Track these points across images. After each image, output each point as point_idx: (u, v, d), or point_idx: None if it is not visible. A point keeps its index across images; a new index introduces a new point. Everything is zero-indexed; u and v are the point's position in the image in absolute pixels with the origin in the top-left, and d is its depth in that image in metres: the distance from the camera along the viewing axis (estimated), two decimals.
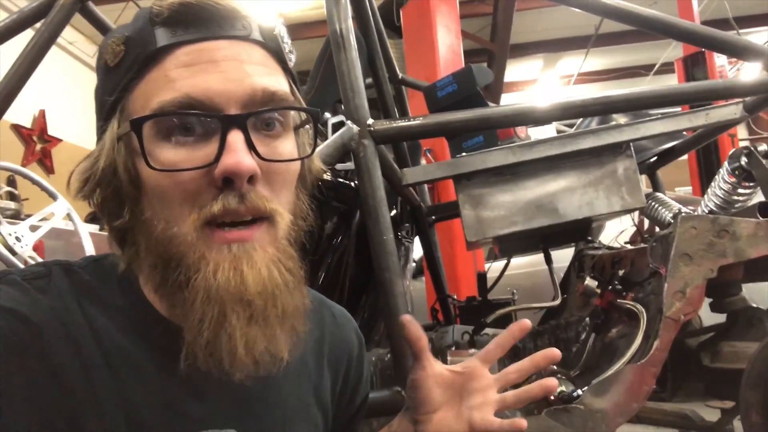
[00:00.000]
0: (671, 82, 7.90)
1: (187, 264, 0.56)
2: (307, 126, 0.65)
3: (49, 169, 6.03)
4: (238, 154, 0.55)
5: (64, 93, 6.32)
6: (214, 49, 0.58)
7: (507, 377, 0.73)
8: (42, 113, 6.11)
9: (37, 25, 1.67)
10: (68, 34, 6.56)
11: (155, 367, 0.58)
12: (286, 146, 0.61)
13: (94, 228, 2.90)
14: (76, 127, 6.35)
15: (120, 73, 0.59)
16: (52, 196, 2.48)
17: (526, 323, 0.75)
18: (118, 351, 0.57)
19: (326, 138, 1.42)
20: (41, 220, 2.47)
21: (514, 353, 1.99)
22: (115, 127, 0.59)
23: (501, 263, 2.46)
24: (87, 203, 0.63)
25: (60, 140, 6.18)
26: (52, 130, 6.18)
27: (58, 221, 2.49)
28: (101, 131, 0.61)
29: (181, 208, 0.56)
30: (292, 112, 0.62)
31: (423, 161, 3.08)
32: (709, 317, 1.85)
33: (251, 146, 0.56)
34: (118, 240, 0.62)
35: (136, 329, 0.59)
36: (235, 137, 0.56)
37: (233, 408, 0.62)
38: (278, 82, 0.61)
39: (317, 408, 0.74)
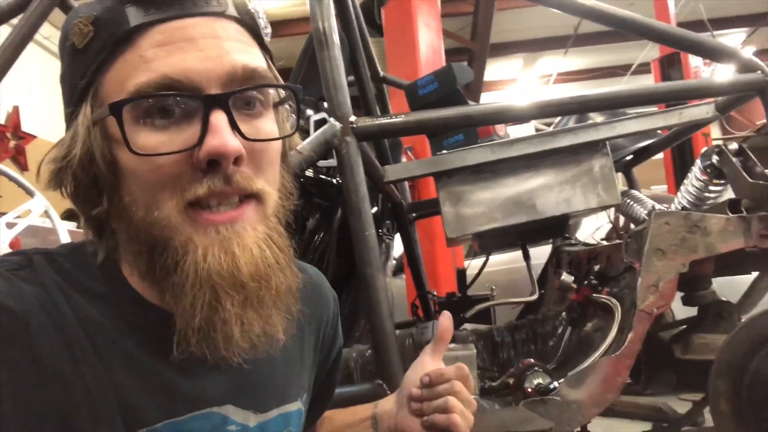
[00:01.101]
0: (648, 82, 8.02)
1: (173, 247, 0.54)
2: (288, 103, 0.63)
3: (23, 166, 5.93)
4: (223, 135, 0.53)
5: (39, 89, 6.23)
6: (190, 27, 0.55)
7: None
8: (16, 110, 6.00)
9: (15, 21, 1.66)
10: (44, 29, 6.44)
11: (146, 353, 0.57)
12: (267, 124, 0.59)
13: (72, 225, 2.87)
14: (51, 124, 6.25)
15: (90, 56, 0.56)
16: (29, 193, 2.45)
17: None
18: (107, 339, 0.56)
19: (308, 135, 1.44)
20: (17, 217, 2.43)
21: (493, 347, 2.03)
22: (88, 113, 0.57)
23: (480, 261, 2.49)
24: (60, 194, 0.60)
25: (34, 137, 6.07)
26: (26, 127, 6.07)
27: (35, 218, 2.45)
28: (71, 117, 0.59)
29: (162, 192, 0.54)
30: (272, 90, 0.61)
31: (404, 159, 3.11)
32: (680, 311, 1.90)
33: (235, 126, 0.55)
34: (96, 229, 0.60)
35: (123, 317, 0.58)
36: (219, 118, 0.54)
37: (229, 384, 0.62)
38: (257, 59, 0.59)
39: (305, 371, 0.75)
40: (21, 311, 0.53)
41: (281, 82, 0.64)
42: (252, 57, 0.58)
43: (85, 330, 0.56)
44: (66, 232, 2.51)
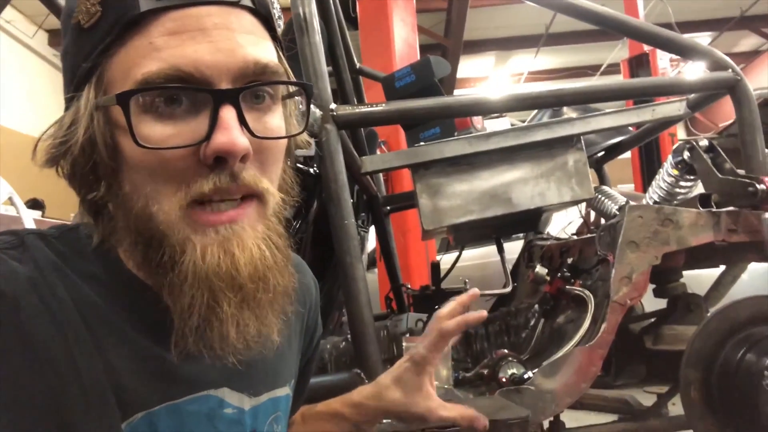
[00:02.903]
0: None
1: (170, 244, 0.53)
2: (296, 98, 0.62)
3: None
4: (231, 132, 0.52)
5: (1, 75, 6.03)
6: (203, 16, 0.54)
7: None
8: None
9: None
10: (6, 13, 6.24)
11: (143, 336, 0.57)
12: (275, 120, 0.59)
13: (37, 214, 2.79)
14: (16, 112, 6.07)
15: (96, 37, 0.55)
16: None
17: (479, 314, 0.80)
18: (103, 322, 0.55)
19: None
20: None
21: (467, 339, 2.04)
22: (92, 96, 0.55)
23: (452, 255, 2.51)
24: (56, 174, 0.58)
25: (3, 128, 5.90)
26: None
27: None
28: (71, 98, 0.57)
29: (166, 186, 0.53)
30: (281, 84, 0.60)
31: (378, 152, 3.10)
32: (650, 305, 1.94)
33: (243, 123, 0.54)
34: (92, 212, 0.59)
35: (119, 299, 0.57)
36: (228, 114, 0.53)
37: (224, 367, 0.61)
38: (269, 53, 0.58)
39: (293, 357, 0.76)
40: (12, 293, 0.51)
41: (291, 74, 0.63)
42: (264, 51, 0.57)
43: (80, 312, 0.54)
44: (32, 220, 2.43)
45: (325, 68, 1.32)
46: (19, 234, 0.57)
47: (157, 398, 0.57)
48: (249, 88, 0.55)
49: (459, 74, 7.70)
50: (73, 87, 0.57)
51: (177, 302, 0.54)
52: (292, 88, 0.62)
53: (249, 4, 0.57)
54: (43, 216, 2.96)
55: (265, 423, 0.68)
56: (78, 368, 0.53)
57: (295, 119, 0.63)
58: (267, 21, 0.60)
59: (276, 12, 0.61)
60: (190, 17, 0.53)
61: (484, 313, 0.79)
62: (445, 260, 2.79)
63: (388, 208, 2.55)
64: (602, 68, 9.67)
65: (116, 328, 0.56)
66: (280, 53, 0.62)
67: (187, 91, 0.53)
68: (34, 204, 3.50)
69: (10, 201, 2.40)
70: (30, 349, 0.51)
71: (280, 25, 0.61)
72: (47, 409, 0.51)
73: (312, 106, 1.29)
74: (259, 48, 0.56)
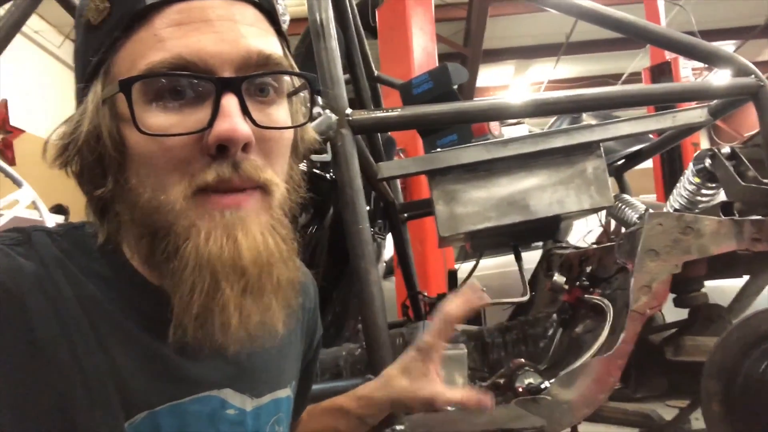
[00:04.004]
0: None
1: (176, 232, 0.53)
2: (302, 93, 0.62)
3: (10, 161, 5.84)
4: (233, 119, 0.52)
5: (28, 83, 6.17)
6: (207, 8, 0.54)
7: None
8: (4, 103, 5.93)
9: (1, 12, 1.63)
10: (34, 23, 6.39)
11: (148, 335, 0.56)
12: (280, 113, 0.58)
13: (60, 219, 2.83)
14: (40, 119, 6.20)
15: (104, 32, 0.56)
16: (17, 183, 2.41)
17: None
18: (108, 320, 0.55)
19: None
20: (3, 207, 2.39)
21: (483, 348, 2.02)
22: (99, 90, 0.56)
23: (470, 264, 2.49)
24: (65, 174, 0.59)
25: (23, 131, 6.00)
26: (14, 121, 6.00)
27: (22, 210, 2.42)
28: (82, 94, 0.58)
29: (170, 176, 0.53)
30: (286, 78, 0.60)
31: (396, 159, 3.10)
32: (670, 315, 1.91)
33: (246, 112, 0.54)
34: (98, 210, 0.59)
35: (125, 298, 0.57)
36: (230, 101, 0.53)
37: (227, 367, 0.61)
38: (273, 45, 0.58)
39: (294, 358, 0.75)
40: (17, 289, 0.51)
41: (296, 68, 0.62)
42: (268, 43, 0.57)
43: (84, 310, 0.54)
44: (54, 224, 2.46)
45: (341, 74, 1.32)
46: (26, 231, 0.57)
47: (161, 398, 0.57)
48: (251, 77, 0.55)
49: (478, 83, 7.69)
50: (83, 83, 0.58)
51: (178, 289, 0.53)
52: (297, 85, 0.62)
53: None
54: (66, 221, 3.00)
55: (267, 424, 0.67)
56: (82, 366, 0.53)
57: (302, 116, 0.63)
58: (271, 15, 0.60)
59: (280, 8, 0.61)
60: (195, 9, 0.54)
61: (486, 297, 0.78)
62: (464, 268, 2.78)
63: (406, 215, 2.54)
64: (623, 77, 9.58)
65: (121, 327, 0.56)
66: (286, 49, 0.62)
67: (189, 80, 0.53)
68: (59, 209, 3.57)
69: (34, 205, 2.44)
70: (35, 347, 0.51)
71: (285, 21, 0.61)
72: (52, 407, 0.51)
73: (327, 111, 1.30)
74: (262, 40, 0.57)
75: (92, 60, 0.56)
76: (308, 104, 0.63)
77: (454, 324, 0.77)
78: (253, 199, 0.55)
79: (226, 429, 0.61)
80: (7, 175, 2.42)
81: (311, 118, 0.64)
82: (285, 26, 0.62)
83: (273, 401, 0.68)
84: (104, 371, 0.54)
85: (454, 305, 0.76)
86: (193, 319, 0.53)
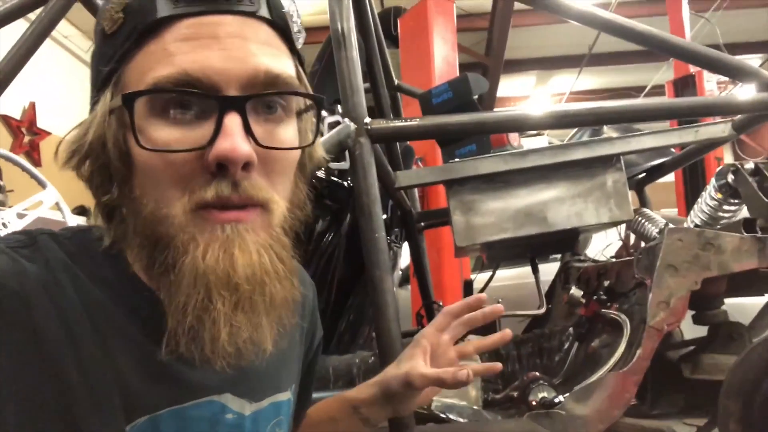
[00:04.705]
0: None
1: (175, 246, 0.54)
2: (311, 112, 0.62)
3: (36, 162, 5.97)
4: (234, 138, 0.52)
5: (56, 87, 6.28)
6: (218, 24, 0.54)
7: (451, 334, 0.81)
8: (32, 105, 6.06)
9: (32, 16, 1.67)
10: (63, 28, 6.51)
11: (149, 340, 0.57)
12: (287, 132, 0.58)
13: (82, 220, 2.88)
14: (66, 121, 6.29)
15: (117, 43, 0.56)
16: (42, 184, 2.46)
17: (497, 306, 0.82)
18: (111, 325, 0.56)
19: (322, 137, 1.44)
20: (27, 208, 2.44)
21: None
22: (108, 99, 0.56)
23: (487, 274, 2.48)
24: (77, 176, 0.60)
25: (49, 133, 6.12)
26: (41, 123, 6.12)
27: (46, 210, 2.46)
28: (94, 101, 0.59)
29: (172, 191, 0.54)
30: (296, 97, 0.59)
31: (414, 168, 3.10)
32: (689, 332, 1.88)
33: (249, 131, 0.54)
34: (105, 215, 0.59)
35: (128, 303, 0.58)
36: (232, 120, 0.53)
37: (227, 373, 0.60)
38: (283, 64, 0.57)
39: (294, 361, 0.76)
40: (23, 292, 0.52)
41: (308, 87, 0.62)
42: (277, 62, 0.57)
43: (88, 314, 0.55)
44: (76, 225, 2.50)
45: (361, 82, 1.33)
46: (32, 234, 0.58)
47: (162, 402, 0.57)
48: (256, 96, 0.55)
49: (499, 93, 7.65)
50: (95, 91, 0.59)
51: (173, 301, 0.54)
52: (308, 103, 0.61)
53: (266, 15, 0.57)
54: (87, 222, 3.05)
55: (267, 427, 0.68)
56: (85, 369, 0.53)
57: (311, 135, 0.63)
58: (285, 33, 0.60)
59: (296, 26, 0.61)
60: (205, 25, 0.54)
61: (499, 306, 0.81)
62: (480, 279, 2.76)
63: (423, 224, 2.54)
64: (646, 90, 9.48)
65: (124, 331, 0.56)
66: (299, 67, 0.62)
67: (193, 96, 0.53)
68: (81, 211, 3.63)
69: (57, 206, 2.49)
70: (39, 349, 0.51)
71: (299, 39, 0.61)
72: (55, 408, 0.51)
73: (346, 119, 1.31)
74: (272, 59, 0.56)
75: (103, 69, 0.57)
76: (320, 123, 0.63)
77: (452, 319, 0.81)
78: (252, 215, 0.55)
79: None
80: (32, 176, 2.47)
81: (316, 138, 0.63)
82: (299, 44, 0.62)
83: (272, 405, 0.69)
84: (107, 375, 0.54)
85: (455, 305, 0.81)
86: (186, 331, 0.53)
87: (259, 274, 0.54)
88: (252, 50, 0.55)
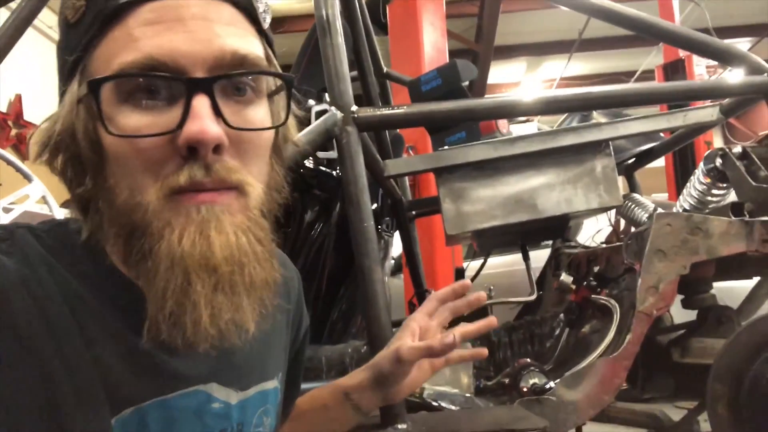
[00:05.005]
0: None
1: (151, 233, 0.53)
2: (283, 93, 0.62)
3: (23, 155, 5.92)
4: (203, 120, 0.52)
5: (42, 78, 6.21)
6: (182, 7, 0.54)
7: (439, 319, 0.82)
8: (18, 98, 6.00)
9: (13, 5, 1.64)
10: (47, 17, 6.43)
11: (133, 332, 0.56)
12: (258, 113, 0.58)
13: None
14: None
15: (81, 31, 0.55)
16: (27, 178, 2.43)
17: (479, 294, 0.84)
18: (93, 317, 0.56)
19: (309, 125, 1.42)
20: (12, 203, 2.42)
21: (489, 347, 2.01)
22: (75, 89, 0.56)
23: (478, 262, 2.48)
24: (50, 171, 0.59)
25: (36, 126, 6.05)
26: (28, 116, 6.07)
27: (32, 204, 2.44)
28: (62, 92, 0.58)
29: (144, 177, 0.53)
30: (267, 77, 0.59)
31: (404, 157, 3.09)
32: (678, 316, 1.89)
33: (218, 113, 0.53)
34: (81, 207, 0.59)
35: (107, 295, 0.57)
36: (200, 102, 0.53)
37: (212, 362, 0.61)
38: (250, 44, 0.57)
39: (280, 349, 0.76)
40: (1, 287, 0.51)
41: (277, 67, 0.62)
42: (244, 42, 0.56)
43: (69, 307, 0.54)
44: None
45: (347, 70, 1.31)
46: (8, 228, 0.57)
47: (147, 393, 0.57)
48: (224, 77, 0.54)
49: (490, 80, 7.64)
50: (62, 82, 0.58)
51: (151, 288, 0.53)
52: (279, 83, 0.61)
53: None
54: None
55: (254, 416, 0.68)
56: (68, 363, 0.53)
57: (283, 114, 0.62)
58: (250, 14, 0.59)
59: (261, 6, 0.61)
60: (169, 8, 0.54)
61: (482, 294, 0.83)
62: (472, 267, 2.77)
63: (414, 212, 2.53)
64: (637, 74, 9.49)
65: (106, 324, 0.56)
66: (268, 48, 0.61)
67: (161, 80, 0.53)
68: (69, 204, 3.60)
69: (44, 200, 2.46)
70: (20, 344, 0.51)
71: (265, 19, 0.60)
72: (38, 404, 0.51)
73: (333, 108, 1.29)
74: (238, 39, 0.56)
75: (68, 59, 0.56)
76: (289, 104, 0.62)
77: (440, 304, 0.82)
78: (228, 198, 0.55)
79: (212, 422, 0.62)
80: (18, 170, 2.44)
81: (287, 118, 0.62)
82: (266, 24, 0.61)
83: (259, 393, 0.69)
84: (90, 368, 0.54)
85: (442, 290, 0.83)
86: (167, 317, 0.53)
87: (238, 255, 0.54)
88: (217, 31, 0.55)
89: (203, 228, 0.53)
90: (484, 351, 0.85)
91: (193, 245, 0.52)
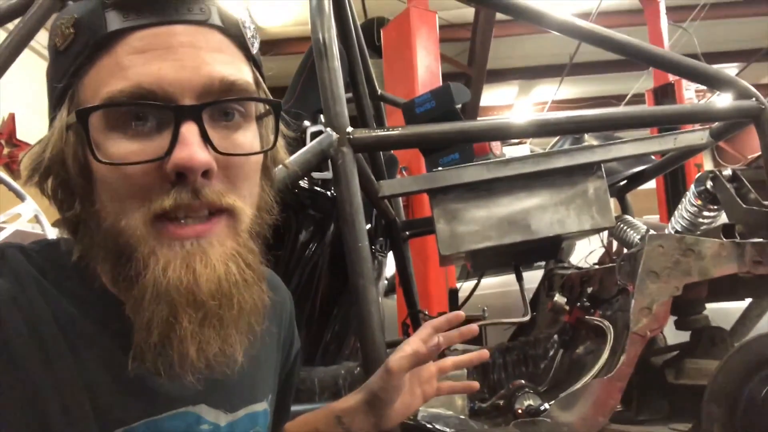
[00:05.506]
0: None
1: (136, 258, 0.53)
2: (271, 116, 0.62)
3: (16, 174, 5.89)
4: (191, 147, 0.52)
5: (35, 98, 6.21)
6: (170, 35, 0.54)
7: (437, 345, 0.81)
8: (12, 117, 6.00)
9: (10, 26, 1.65)
10: (42, 37, 6.46)
11: (121, 352, 0.56)
12: (246, 137, 0.58)
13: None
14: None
15: (70, 58, 0.56)
16: (20, 197, 2.42)
17: (469, 326, 0.84)
18: (83, 338, 0.56)
19: (305, 146, 1.43)
20: (5, 221, 2.40)
21: (484, 369, 2.00)
22: (65, 116, 0.56)
23: (472, 283, 2.48)
24: (41, 193, 0.60)
25: (29, 145, 6.05)
26: (21, 135, 6.06)
27: (24, 223, 2.42)
28: (51, 118, 0.58)
29: (132, 201, 0.54)
30: (255, 101, 0.60)
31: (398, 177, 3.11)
32: (672, 337, 1.89)
33: (206, 139, 0.54)
34: (71, 229, 0.59)
35: (97, 315, 0.57)
36: (189, 129, 0.53)
37: (202, 383, 0.60)
38: (238, 71, 0.58)
39: (270, 371, 0.75)
40: None
41: (267, 92, 0.63)
42: (232, 69, 0.57)
43: (59, 327, 0.54)
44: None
45: (342, 92, 1.33)
46: (0, 247, 0.57)
47: (137, 415, 0.57)
48: (211, 104, 0.55)
49: (482, 103, 7.72)
50: (51, 108, 0.58)
51: (137, 316, 0.53)
52: (267, 107, 0.61)
53: (218, 23, 0.57)
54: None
55: None
56: (58, 383, 0.53)
57: (272, 137, 0.62)
58: (238, 40, 0.59)
59: (249, 32, 0.61)
60: (157, 36, 0.54)
61: (474, 327, 0.83)
62: (465, 287, 2.77)
63: (407, 233, 2.54)
64: (627, 98, 9.62)
65: (96, 344, 0.56)
66: (257, 72, 0.62)
67: (150, 108, 0.53)
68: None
69: (36, 219, 2.45)
70: (11, 362, 0.51)
71: (254, 44, 0.61)
72: (28, 423, 0.51)
73: (328, 129, 1.30)
74: (226, 66, 0.56)
75: (57, 86, 0.57)
76: (277, 128, 0.62)
77: (434, 332, 0.82)
78: (218, 225, 0.55)
79: None
80: (10, 188, 2.43)
81: (275, 143, 0.63)
82: (254, 50, 0.62)
83: (248, 415, 0.68)
84: (80, 388, 0.54)
85: (437, 319, 0.84)
86: (152, 348, 0.53)
87: (226, 286, 0.54)
88: (205, 59, 0.55)
89: (189, 261, 0.53)
90: (476, 384, 0.87)
91: (179, 279, 0.52)
